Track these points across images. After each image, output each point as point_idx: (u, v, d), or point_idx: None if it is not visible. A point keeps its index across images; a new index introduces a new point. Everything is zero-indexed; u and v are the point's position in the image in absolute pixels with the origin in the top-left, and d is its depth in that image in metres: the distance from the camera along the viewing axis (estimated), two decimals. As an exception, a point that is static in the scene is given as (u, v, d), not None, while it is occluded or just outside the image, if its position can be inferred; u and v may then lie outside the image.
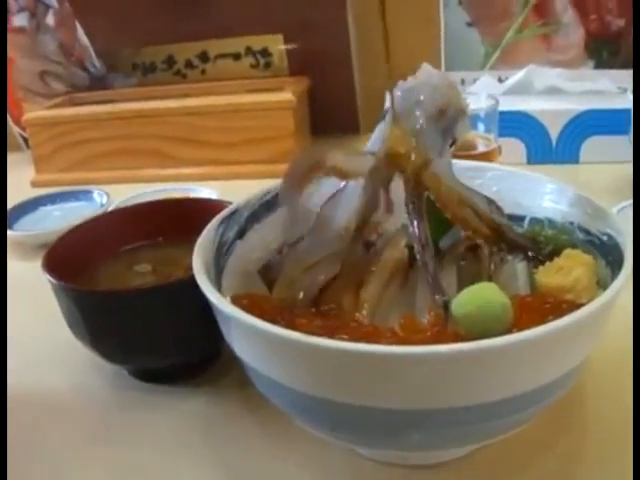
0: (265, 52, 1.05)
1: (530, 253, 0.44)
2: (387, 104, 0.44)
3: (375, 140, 0.44)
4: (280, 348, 0.34)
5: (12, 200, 0.86)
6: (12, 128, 1.19)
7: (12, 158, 1.12)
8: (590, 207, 0.46)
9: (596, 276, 0.41)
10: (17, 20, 1.06)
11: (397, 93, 0.42)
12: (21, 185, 1.02)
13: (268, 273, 0.48)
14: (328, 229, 0.41)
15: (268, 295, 0.43)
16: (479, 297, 0.35)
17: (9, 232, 0.80)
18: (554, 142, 0.91)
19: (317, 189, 0.47)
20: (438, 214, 0.45)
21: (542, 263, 0.43)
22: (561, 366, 0.35)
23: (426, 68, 0.43)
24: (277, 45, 1.03)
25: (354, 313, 0.38)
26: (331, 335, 0.34)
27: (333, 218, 0.42)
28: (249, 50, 1.05)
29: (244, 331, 0.36)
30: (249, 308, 0.39)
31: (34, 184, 1.04)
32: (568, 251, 0.42)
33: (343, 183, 0.44)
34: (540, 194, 0.49)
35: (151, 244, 0.59)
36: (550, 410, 0.39)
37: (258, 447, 0.46)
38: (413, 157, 0.42)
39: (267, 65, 1.05)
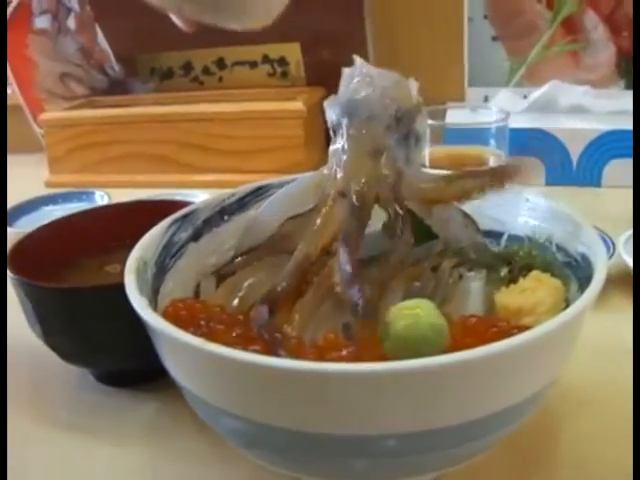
0: (282, 61, 1.02)
1: (501, 272, 0.40)
2: (330, 119, 0.41)
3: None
4: (178, 353, 0.31)
5: (23, 200, 0.87)
6: (34, 128, 1.19)
7: (32, 159, 1.12)
8: (571, 225, 0.42)
9: (564, 301, 0.37)
10: (39, 22, 1.06)
11: (341, 109, 0.40)
12: (36, 185, 1.02)
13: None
14: (286, 248, 0.39)
15: (205, 301, 0.39)
16: (407, 315, 0.31)
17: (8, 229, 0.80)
18: (575, 163, 0.86)
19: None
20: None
21: (508, 283, 0.39)
22: (495, 398, 0.31)
23: (361, 66, 0.40)
24: (294, 54, 1.01)
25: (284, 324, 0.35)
26: (245, 346, 0.31)
27: (294, 241, 0.39)
28: (266, 58, 1.03)
29: (152, 333, 0.33)
30: (179, 311, 0.36)
31: (48, 184, 1.04)
32: (535, 273, 0.38)
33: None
34: (521, 210, 0.45)
35: (119, 246, 0.57)
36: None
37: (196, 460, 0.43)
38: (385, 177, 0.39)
39: (284, 74, 1.03)
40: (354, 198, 0.38)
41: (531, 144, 0.86)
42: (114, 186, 0.95)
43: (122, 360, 0.50)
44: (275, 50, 1.02)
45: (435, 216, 0.41)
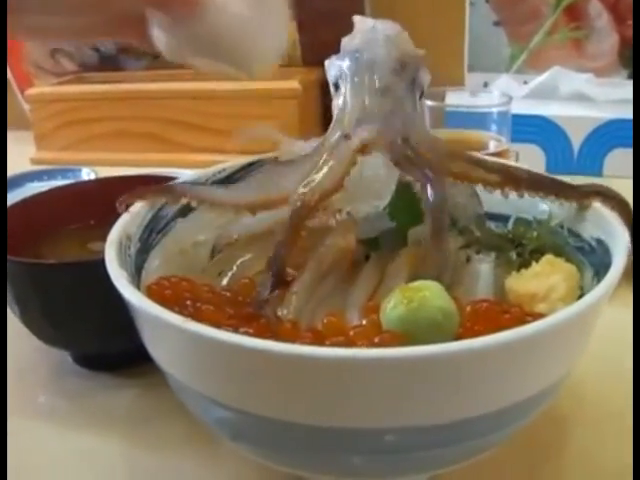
0: (278, 40, 0.99)
1: (510, 254, 0.38)
2: (332, 74, 0.38)
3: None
4: (160, 333, 0.28)
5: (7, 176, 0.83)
6: (22, 104, 1.15)
7: (19, 135, 1.08)
8: (585, 208, 0.39)
9: (579, 288, 0.35)
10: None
11: (344, 59, 0.38)
12: (21, 162, 0.99)
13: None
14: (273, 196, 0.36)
15: (191, 279, 0.37)
16: (414, 298, 0.28)
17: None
18: (576, 151, 0.84)
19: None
20: (410, 203, 0.39)
21: (518, 268, 0.37)
22: (513, 389, 0.28)
23: (361, 21, 0.38)
24: (291, 33, 0.98)
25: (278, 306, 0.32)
26: (236, 328, 0.29)
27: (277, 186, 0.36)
28: (261, 37, 1.00)
29: (132, 311, 0.31)
30: (163, 289, 0.33)
31: (34, 161, 1.01)
32: (549, 257, 0.36)
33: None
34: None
35: (102, 222, 0.54)
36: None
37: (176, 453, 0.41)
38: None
39: (279, 53, 1.00)
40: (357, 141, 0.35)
41: (533, 132, 0.84)
42: (102, 164, 0.92)
43: (102, 343, 0.48)
44: (271, 28, 0.99)
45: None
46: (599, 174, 0.84)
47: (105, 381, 0.49)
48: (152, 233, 0.40)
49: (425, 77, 0.38)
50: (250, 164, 0.47)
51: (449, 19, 0.98)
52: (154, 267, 0.39)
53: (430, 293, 0.29)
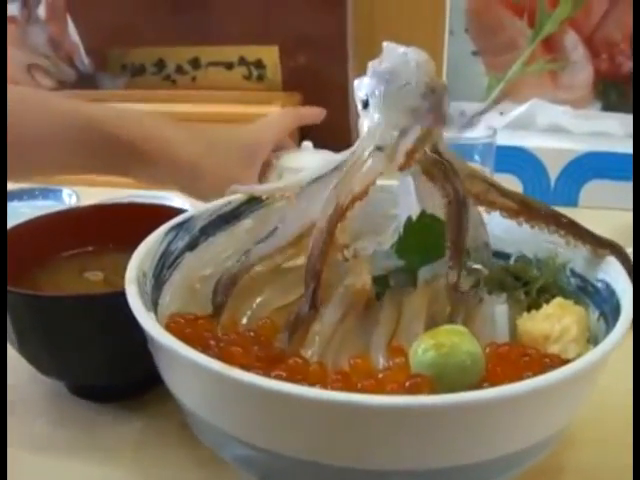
0: (259, 64, 1.00)
1: (518, 294, 0.39)
2: (362, 92, 0.39)
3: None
4: (199, 378, 0.28)
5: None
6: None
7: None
8: (587, 251, 0.40)
9: (587, 330, 0.36)
10: (8, 9, 1.01)
11: (375, 79, 0.39)
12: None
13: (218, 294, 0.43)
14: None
15: (207, 316, 0.37)
16: (445, 343, 0.29)
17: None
18: (553, 182, 0.86)
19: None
20: (421, 242, 0.40)
21: (528, 309, 0.38)
22: (532, 433, 0.29)
23: (392, 47, 0.40)
24: (272, 57, 0.99)
25: (300, 346, 0.33)
26: (267, 371, 0.29)
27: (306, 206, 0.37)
28: (243, 60, 1.00)
29: (164, 353, 0.31)
30: (183, 328, 0.33)
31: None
32: (559, 299, 0.37)
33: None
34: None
35: (100, 250, 0.54)
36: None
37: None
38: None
39: (260, 77, 1.00)
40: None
41: (511, 162, 0.86)
42: (78, 183, 0.91)
43: (101, 375, 0.47)
44: (253, 52, 0.99)
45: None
46: (575, 205, 0.86)
47: (105, 411, 0.48)
48: (163, 269, 0.40)
49: (447, 105, 0.40)
50: (254, 198, 0.47)
51: (428, 47, 0.99)
52: (166, 303, 0.39)
53: (459, 338, 0.29)
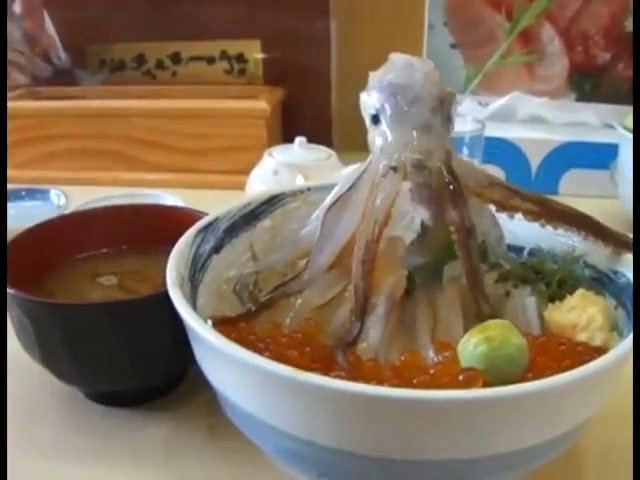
0: (241, 58, 1.00)
1: (540, 286, 0.41)
2: (370, 107, 0.40)
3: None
4: (268, 384, 0.29)
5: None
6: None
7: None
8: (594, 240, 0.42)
9: (610, 319, 0.38)
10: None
11: (383, 94, 0.40)
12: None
13: (244, 291, 0.44)
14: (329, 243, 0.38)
15: (244, 317, 0.38)
16: (495, 337, 0.31)
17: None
18: (534, 172, 0.89)
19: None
20: (442, 240, 0.41)
21: (551, 300, 0.40)
22: (575, 417, 0.31)
23: (397, 58, 0.41)
24: (254, 52, 0.99)
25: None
26: (326, 371, 0.30)
27: (334, 230, 0.38)
28: (224, 54, 1.00)
29: (227, 362, 0.31)
30: (229, 332, 0.34)
31: (-14, 178, 0.98)
32: (581, 291, 0.39)
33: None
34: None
35: (114, 252, 0.54)
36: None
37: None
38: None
39: (241, 72, 1.01)
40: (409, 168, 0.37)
41: (494, 152, 0.88)
42: (61, 183, 0.90)
43: (126, 380, 0.47)
44: (234, 46, 1.00)
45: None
46: (555, 193, 0.89)
47: (121, 418, 0.48)
48: (196, 272, 0.41)
49: (455, 112, 0.41)
50: (272, 197, 0.48)
51: (408, 41, 1.02)
52: (202, 306, 0.40)
53: (507, 331, 0.31)
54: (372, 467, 0.29)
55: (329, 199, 0.40)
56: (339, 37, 1.01)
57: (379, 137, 0.41)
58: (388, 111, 0.40)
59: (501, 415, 0.28)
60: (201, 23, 0.99)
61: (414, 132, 0.39)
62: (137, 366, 0.46)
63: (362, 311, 0.34)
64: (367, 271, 0.35)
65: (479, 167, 0.42)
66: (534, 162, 0.89)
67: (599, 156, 0.86)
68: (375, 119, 0.41)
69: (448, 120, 0.41)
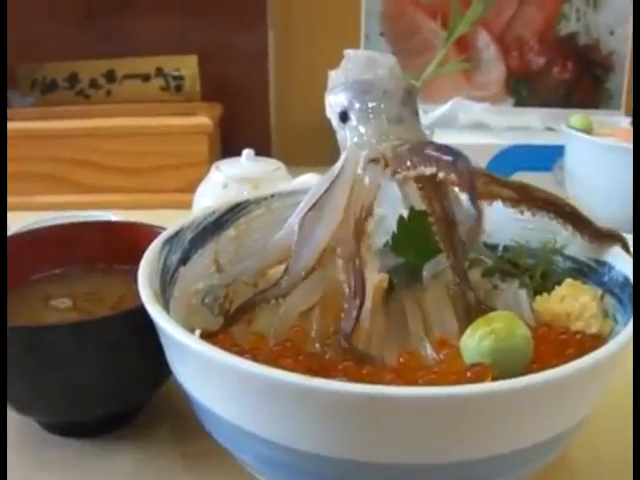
0: (177, 74, 0.97)
1: (524, 279, 0.40)
2: (338, 105, 0.39)
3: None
4: (272, 393, 0.27)
5: None
6: None
7: None
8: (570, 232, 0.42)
9: (601, 306, 0.38)
10: None
11: (349, 91, 0.39)
12: None
13: (214, 304, 0.42)
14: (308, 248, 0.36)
15: (220, 330, 0.36)
16: (501, 329, 0.29)
17: None
18: (480, 176, 0.90)
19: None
20: (418, 239, 0.40)
21: (536, 292, 0.39)
22: (585, 406, 0.30)
23: (356, 55, 0.41)
24: (190, 67, 0.96)
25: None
26: (327, 375, 0.28)
27: (313, 234, 0.36)
28: (160, 71, 0.97)
29: (226, 375, 0.29)
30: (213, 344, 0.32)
31: None
32: (570, 281, 0.38)
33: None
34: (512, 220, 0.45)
35: (66, 273, 0.50)
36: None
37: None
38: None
39: (178, 88, 0.98)
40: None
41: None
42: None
43: (93, 407, 0.44)
44: (170, 63, 0.97)
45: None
46: (502, 196, 0.90)
47: (82, 450, 0.44)
48: (165, 286, 0.39)
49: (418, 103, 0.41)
50: (236, 205, 0.46)
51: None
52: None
53: (512, 322, 0.30)
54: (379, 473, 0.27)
55: (304, 204, 0.38)
56: (277, 51, 1.00)
57: (351, 134, 0.40)
58: (357, 106, 0.39)
59: (516, 408, 0.27)
60: (135, 39, 0.96)
61: (387, 124, 0.38)
62: (101, 392, 0.43)
63: (362, 285, 0.32)
64: (360, 246, 0.33)
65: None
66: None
67: (543, 158, 0.88)
68: (344, 117, 0.40)
69: (417, 113, 0.40)
